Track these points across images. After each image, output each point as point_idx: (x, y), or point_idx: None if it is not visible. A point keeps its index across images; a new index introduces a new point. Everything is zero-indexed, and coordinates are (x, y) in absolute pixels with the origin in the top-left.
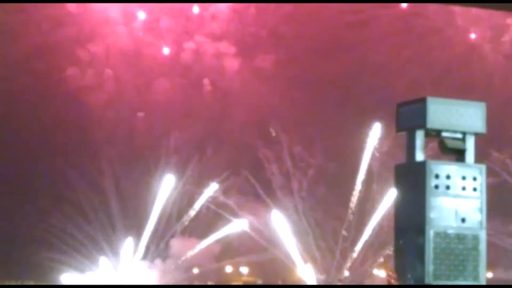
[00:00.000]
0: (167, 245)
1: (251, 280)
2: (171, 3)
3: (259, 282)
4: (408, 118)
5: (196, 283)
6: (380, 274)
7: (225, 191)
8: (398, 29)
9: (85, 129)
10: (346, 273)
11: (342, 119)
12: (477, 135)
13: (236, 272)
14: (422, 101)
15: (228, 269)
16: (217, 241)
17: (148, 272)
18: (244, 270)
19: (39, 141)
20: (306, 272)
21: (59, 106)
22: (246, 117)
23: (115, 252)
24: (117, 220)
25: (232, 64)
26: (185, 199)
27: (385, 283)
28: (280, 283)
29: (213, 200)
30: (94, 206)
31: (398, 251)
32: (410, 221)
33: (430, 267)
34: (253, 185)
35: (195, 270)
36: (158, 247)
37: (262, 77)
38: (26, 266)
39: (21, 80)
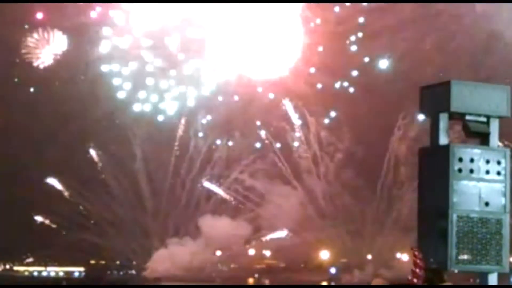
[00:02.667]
0: (196, 225)
1: (273, 263)
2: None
3: (282, 265)
4: (432, 101)
5: (218, 266)
6: (403, 258)
7: (252, 174)
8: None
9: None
10: (369, 256)
11: (370, 104)
12: (501, 118)
13: (259, 255)
14: (446, 84)
15: (251, 251)
16: (248, 223)
17: (179, 249)
18: (267, 253)
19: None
20: (328, 256)
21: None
22: (271, 101)
23: (145, 233)
24: (147, 201)
25: None
26: (213, 181)
27: (408, 266)
28: (302, 266)
29: (241, 183)
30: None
31: (421, 235)
32: (433, 205)
33: (453, 251)
34: (280, 168)
35: (218, 253)
36: (187, 227)
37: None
38: (64, 248)
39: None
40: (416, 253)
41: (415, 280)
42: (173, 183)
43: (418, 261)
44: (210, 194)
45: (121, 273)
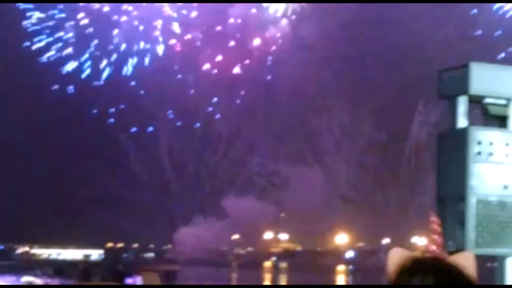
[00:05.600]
0: (220, 205)
1: (290, 247)
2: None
3: (298, 248)
4: (450, 84)
5: (236, 249)
6: (419, 241)
7: (274, 159)
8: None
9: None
10: (387, 239)
11: (391, 91)
12: None
13: (275, 239)
14: (465, 67)
15: (268, 235)
16: (272, 204)
17: (204, 230)
18: (284, 236)
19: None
20: (346, 240)
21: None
22: (293, 88)
23: (170, 215)
24: (172, 184)
25: (283, 33)
26: (236, 165)
27: (422, 250)
28: (319, 250)
29: (263, 166)
30: (150, 172)
31: (440, 220)
32: (452, 189)
33: (471, 234)
34: (303, 153)
35: (235, 236)
36: (212, 206)
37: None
38: (86, 230)
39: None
40: (434, 218)
41: (434, 247)
42: (197, 166)
43: (436, 226)
44: (233, 176)
45: (138, 255)
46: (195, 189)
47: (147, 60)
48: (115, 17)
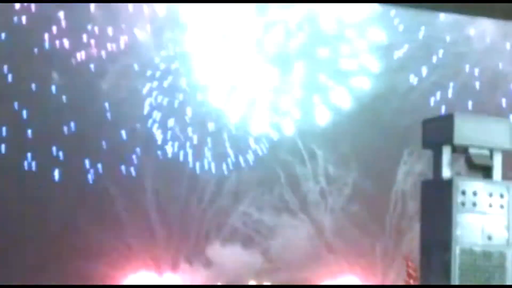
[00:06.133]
0: (205, 254)
1: None
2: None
3: None
4: (434, 134)
5: None
6: None
7: (259, 208)
8: None
9: None
10: None
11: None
12: (504, 151)
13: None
14: (449, 117)
15: (252, 283)
16: (260, 254)
17: (191, 276)
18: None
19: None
20: None
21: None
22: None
23: (156, 260)
24: (157, 233)
25: None
26: (221, 214)
27: None
28: None
29: (249, 216)
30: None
31: (424, 268)
32: (436, 238)
33: (456, 283)
34: (287, 202)
35: (219, 282)
36: (197, 255)
37: None
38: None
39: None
40: (410, 263)
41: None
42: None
43: (411, 271)
44: (220, 225)
45: None
46: (181, 237)
47: None
48: None
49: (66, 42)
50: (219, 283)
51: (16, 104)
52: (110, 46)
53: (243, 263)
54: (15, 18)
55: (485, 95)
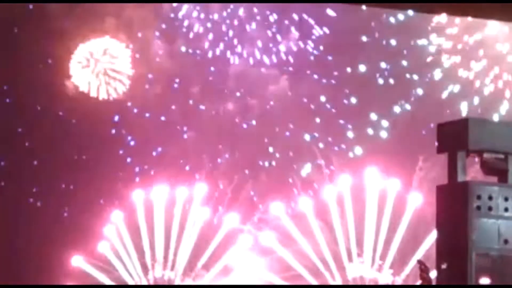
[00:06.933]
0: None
1: None
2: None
3: None
4: (449, 139)
5: None
6: None
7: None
8: None
9: None
10: None
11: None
12: None
13: None
14: (464, 122)
15: None
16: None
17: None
18: None
19: None
20: None
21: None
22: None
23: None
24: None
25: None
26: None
27: None
28: None
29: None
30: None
31: (441, 273)
32: (452, 243)
33: None
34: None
35: None
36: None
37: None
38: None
39: None
40: (423, 266)
41: None
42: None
43: (425, 275)
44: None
45: None
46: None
47: None
48: None
49: None
50: None
51: None
52: None
53: None
54: None
55: None
